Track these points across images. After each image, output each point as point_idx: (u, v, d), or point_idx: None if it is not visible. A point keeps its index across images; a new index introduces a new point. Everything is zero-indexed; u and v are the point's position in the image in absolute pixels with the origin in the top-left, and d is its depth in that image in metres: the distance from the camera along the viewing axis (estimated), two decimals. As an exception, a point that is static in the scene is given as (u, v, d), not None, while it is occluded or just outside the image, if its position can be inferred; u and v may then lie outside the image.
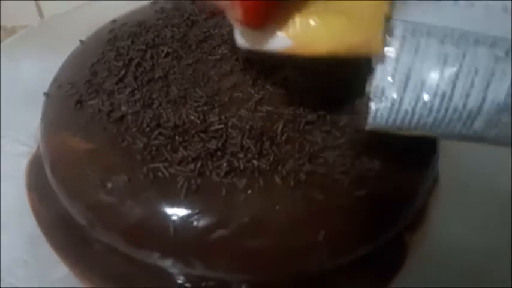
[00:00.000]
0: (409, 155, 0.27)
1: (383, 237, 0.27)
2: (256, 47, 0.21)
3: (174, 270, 0.26)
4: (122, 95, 0.27)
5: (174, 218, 0.23)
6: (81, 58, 0.31)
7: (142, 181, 0.24)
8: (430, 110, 0.19)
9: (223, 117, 0.26)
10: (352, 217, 0.24)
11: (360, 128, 0.21)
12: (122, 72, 0.28)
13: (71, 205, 0.26)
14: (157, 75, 0.28)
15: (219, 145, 0.25)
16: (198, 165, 0.24)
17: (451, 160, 0.34)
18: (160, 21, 0.32)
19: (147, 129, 0.26)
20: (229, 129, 0.26)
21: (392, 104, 0.19)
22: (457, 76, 0.18)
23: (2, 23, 0.57)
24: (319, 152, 0.25)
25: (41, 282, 0.28)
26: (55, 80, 0.30)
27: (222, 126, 0.26)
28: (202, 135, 0.26)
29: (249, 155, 0.25)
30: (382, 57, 0.19)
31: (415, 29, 0.19)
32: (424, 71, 0.19)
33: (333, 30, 0.20)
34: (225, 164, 0.24)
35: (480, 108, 0.18)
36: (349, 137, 0.26)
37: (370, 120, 0.20)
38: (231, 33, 0.31)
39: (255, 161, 0.25)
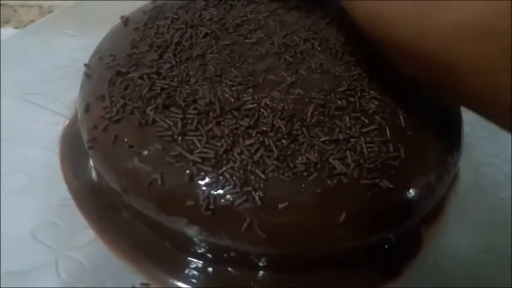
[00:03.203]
0: (433, 147, 0.28)
1: (400, 226, 0.27)
2: None
3: (198, 239, 0.27)
4: (161, 70, 0.28)
5: (204, 188, 0.24)
6: (122, 33, 0.32)
7: (176, 152, 0.25)
8: None
9: (256, 97, 0.27)
10: (373, 203, 0.25)
11: None
12: (162, 49, 0.29)
13: (105, 171, 0.27)
14: (195, 54, 0.29)
15: (251, 123, 0.26)
16: (230, 140, 0.25)
17: (472, 160, 0.35)
18: (199, 4, 0.33)
19: (183, 104, 0.27)
20: (262, 109, 0.27)
21: None
22: None
23: (39, 2, 0.59)
24: (348, 137, 0.26)
25: (69, 244, 0.30)
26: (96, 52, 0.32)
27: (255, 105, 0.27)
28: (236, 113, 0.27)
29: (279, 135, 0.26)
30: None
31: None
32: None
33: None
34: (255, 142, 0.25)
35: None
36: (378, 124, 0.27)
37: None
38: (267, 19, 0.32)
39: (284, 141, 0.26)
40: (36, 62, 0.41)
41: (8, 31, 0.55)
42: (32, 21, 0.57)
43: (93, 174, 0.32)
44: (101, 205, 0.31)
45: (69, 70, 0.39)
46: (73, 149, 0.34)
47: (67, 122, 0.36)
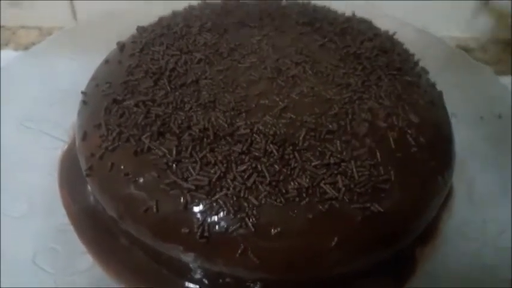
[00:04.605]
0: (424, 169, 0.28)
1: (393, 248, 0.28)
2: None
3: (194, 265, 0.27)
4: (155, 97, 0.29)
5: (198, 215, 0.25)
6: (118, 60, 0.32)
7: (171, 179, 0.26)
8: None
9: (249, 123, 0.28)
10: (364, 227, 0.25)
11: None
12: (157, 75, 0.30)
13: (102, 197, 0.28)
14: (189, 80, 0.30)
15: (244, 149, 0.26)
16: (223, 167, 0.26)
17: (465, 177, 0.35)
18: (194, 28, 0.34)
19: (178, 131, 0.27)
20: (254, 134, 0.27)
21: None
22: None
23: (38, 24, 0.60)
24: (339, 161, 0.26)
25: (68, 270, 0.30)
26: (93, 79, 0.32)
27: (248, 131, 0.27)
28: (229, 138, 0.27)
29: (271, 160, 0.26)
30: None
31: None
32: None
33: None
34: (248, 167, 0.26)
35: None
36: (368, 147, 0.27)
37: None
38: (260, 43, 0.33)
39: (276, 166, 0.26)
40: (36, 87, 0.41)
41: (7, 53, 0.56)
42: (33, 43, 0.58)
43: (91, 198, 0.33)
44: (99, 230, 0.31)
45: (68, 94, 0.39)
46: (71, 174, 0.34)
47: (66, 146, 0.36)
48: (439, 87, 0.34)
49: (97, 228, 0.31)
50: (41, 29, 0.60)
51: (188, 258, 0.26)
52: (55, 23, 0.60)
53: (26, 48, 0.57)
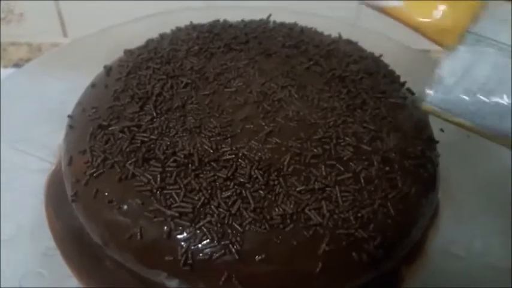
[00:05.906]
0: (408, 191, 0.28)
1: (378, 271, 0.28)
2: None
3: (179, 291, 0.27)
4: (141, 122, 0.29)
5: (182, 243, 0.25)
6: (105, 84, 0.33)
7: (155, 206, 0.26)
8: (476, 102, 0.25)
9: (234, 148, 0.28)
10: (349, 252, 0.26)
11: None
12: (143, 100, 0.30)
13: (87, 223, 0.28)
14: (175, 105, 0.30)
15: (229, 174, 0.27)
16: (208, 193, 0.26)
17: (451, 195, 0.36)
18: (180, 53, 0.34)
19: (163, 157, 0.27)
20: (239, 160, 0.27)
21: (447, 90, 0.26)
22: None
23: (28, 40, 0.60)
24: (323, 186, 0.27)
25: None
26: (79, 103, 0.32)
27: (233, 156, 0.27)
28: (214, 164, 0.27)
29: (256, 185, 0.26)
30: (451, 52, 0.26)
31: (483, 40, 0.25)
32: (478, 71, 0.25)
33: (434, 10, 0.27)
34: (233, 194, 0.26)
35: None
36: (352, 172, 0.27)
37: (426, 102, 0.26)
38: (246, 66, 0.33)
39: (261, 191, 0.26)
40: (25, 107, 0.41)
41: (-2, 71, 0.56)
42: (22, 59, 0.58)
43: (77, 221, 0.32)
44: (85, 252, 0.31)
45: (56, 114, 0.39)
46: (57, 196, 0.34)
47: (52, 168, 0.36)
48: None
49: (83, 250, 0.31)
50: (31, 45, 0.60)
51: (172, 284, 0.26)
52: (45, 38, 0.60)
53: (16, 64, 0.57)
